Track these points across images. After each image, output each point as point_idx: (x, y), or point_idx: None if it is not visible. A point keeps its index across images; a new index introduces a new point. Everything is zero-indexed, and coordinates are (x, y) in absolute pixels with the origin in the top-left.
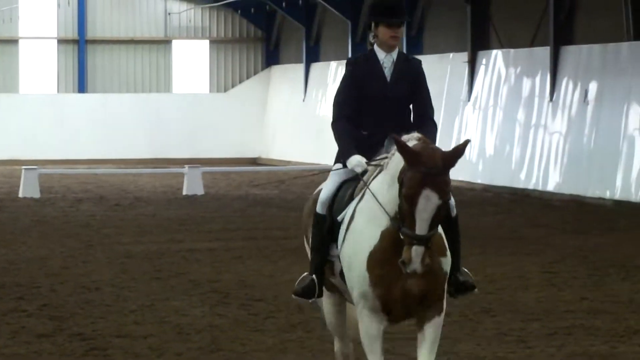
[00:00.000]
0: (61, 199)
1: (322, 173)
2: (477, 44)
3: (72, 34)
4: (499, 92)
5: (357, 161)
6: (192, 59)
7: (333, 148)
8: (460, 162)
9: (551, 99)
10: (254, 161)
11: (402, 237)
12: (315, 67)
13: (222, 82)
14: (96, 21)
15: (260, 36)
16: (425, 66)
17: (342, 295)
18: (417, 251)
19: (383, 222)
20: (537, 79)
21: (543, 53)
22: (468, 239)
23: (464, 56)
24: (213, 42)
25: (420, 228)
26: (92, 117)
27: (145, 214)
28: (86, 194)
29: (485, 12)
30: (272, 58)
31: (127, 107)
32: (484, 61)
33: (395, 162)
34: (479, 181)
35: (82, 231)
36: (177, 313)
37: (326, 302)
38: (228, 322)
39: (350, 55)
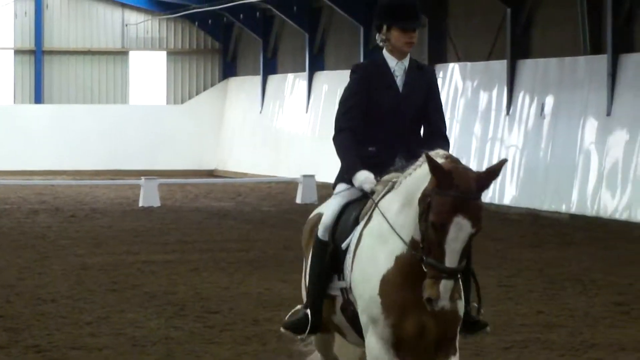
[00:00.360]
0: (17, 210)
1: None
2: (434, 57)
3: (29, 44)
4: (456, 105)
5: (364, 177)
6: (149, 70)
7: (290, 159)
8: None
9: (508, 113)
10: (210, 173)
11: (425, 269)
12: (273, 79)
13: (179, 93)
14: (53, 32)
15: (217, 48)
16: None
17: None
18: (446, 286)
19: (397, 246)
20: (494, 93)
21: (500, 66)
22: None
23: None
24: (170, 53)
25: (451, 260)
26: (49, 128)
27: (101, 226)
28: (42, 205)
29: (442, 26)
30: (229, 70)
31: (83, 118)
32: (441, 74)
33: (412, 181)
34: None
35: (37, 242)
36: (132, 325)
37: (318, 338)
38: (184, 334)
39: (307, 67)
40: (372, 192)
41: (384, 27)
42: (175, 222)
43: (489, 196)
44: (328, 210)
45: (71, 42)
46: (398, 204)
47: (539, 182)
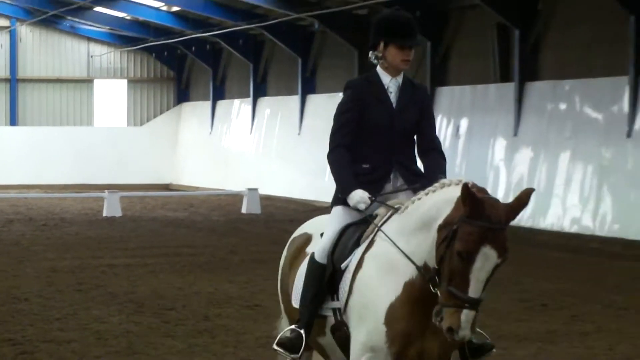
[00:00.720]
0: None
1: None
2: None
3: (5, 73)
4: None
5: (359, 197)
6: (111, 96)
7: (236, 174)
8: None
9: None
10: (166, 187)
11: (444, 298)
12: (221, 104)
13: (139, 116)
14: (26, 62)
15: (172, 76)
16: (317, 103)
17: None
18: (468, 316)
19: (406, 272)
20: None
21: None
22: None
23: None
24: (130, 81)
25: (475, 290)
26: (23, 148)
27: (69, 233)
28: (17, 215)
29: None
30: (182, 96)
31: (54, 138)
32: None
33: (429, 206)
34: None
35: (12, 249)
36: (97, 321)
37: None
38: (142, 328)
39: (251, 94)
40: (375, 215)
41: (381, 44)
42: (135, 230)
43: None
44: (327, 234)
45: (42, 71)
46: (409, 228)
47: None
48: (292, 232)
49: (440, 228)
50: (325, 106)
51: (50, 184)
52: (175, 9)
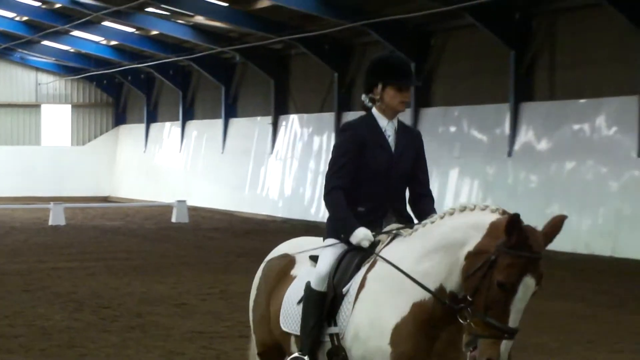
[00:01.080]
0: None
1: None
2: (278, 109)
3: None
4: (295, 146)
5: (363, 234)
6: (57, 119)
7: (167, 188)
8: (261, 199)
9: None
10: (105, 199)
11: (482, 329)
12: (154, 126)
13: (81, 137)
14: None
15: (110, 102)
16: (238, 126)
17: None
18: (507, 346)
19: (414, 293)
20: (324, 137)
21: (329, 117)
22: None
23: (268, 119)
24: (74, 106)
25: (514, 320)
26: None
27: (18, 240)
28: None
29: (285, 85)
30: (120, 119)
31: (5, 156)
32: (284, 123)
33: (447, 228)
34: (279, 215)
35: None
36: (42, 318)
37: None
38: (82, 324)
39: (180, 117)
40: (377, 242)
41: (379, 86)
42: (77, 237)
43: (320, 215)
44: (323, 260)
45: None
46: (421, 249)
47: None
48: (216, 239)
49: (471, 255)
50: (245, 129)
51: (1, 197)
52: (113, 42)
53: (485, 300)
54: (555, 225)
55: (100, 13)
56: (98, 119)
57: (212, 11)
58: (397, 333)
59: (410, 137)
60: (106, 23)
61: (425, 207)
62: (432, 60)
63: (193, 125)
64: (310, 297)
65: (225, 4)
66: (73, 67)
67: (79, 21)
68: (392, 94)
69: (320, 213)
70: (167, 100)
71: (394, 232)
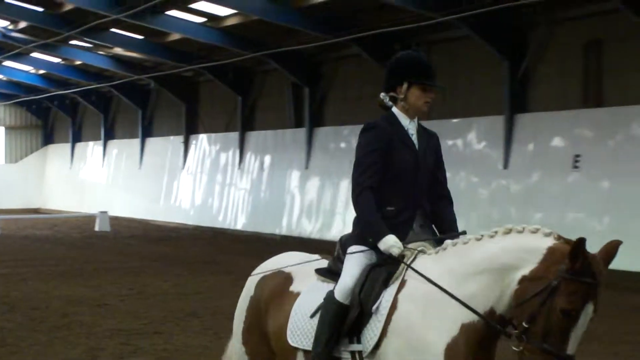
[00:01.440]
0: None
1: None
2: (189, 129)
3: None
4: (204, 162)
5: (393, 241)
6: None
7: (90, 200)
8: (175, 208)
9: (239, 167)
10: (36, 210)
11: (540, 357)
12: (79, 145)
13: (14, 155)
14: None
15: (39, 124)
16: (154, 145)
17: None
18: None
19: (463, 315)
20: (230, 153)
21: (234, 136)
22: (184, 265)
23: (180, 138)
24: (7, 128)
25: (573, 347)
26: None
27: None
28: None
29: (195, 108)
30: (48, 139)
31: None
32: (194, 142)
33: (496, 251)
34: (190, 222)
35: None
36: None
37: None
38: (14, 325)
39: (102, 137)
40: (402, 257)
41: (404, 85)
42: (10, 245)
43: (227, 223)
44: (349, 272)
45: None
46: (464, 270)
47: (261, 213)
48: (134, 245)
49: (526, 280)
50: (160, 147)
51: None
52: (42, 71)
53: (544, 328)
54: (610, 251)
55: (30, 45)
56: (29, 140)
57: (130, 43)
58: (450, 353)
59: (429, 138)
60: (35, 54)
61: (443, 210)
62: (324, 85)
63: (113, 144)
64: (331, 309)
65: (141, 37)
66: (6, 93)
67: (10, 53)
68: (417, 94)
69: (226, 221)
70: (90, 122)
71: (418, 249)
